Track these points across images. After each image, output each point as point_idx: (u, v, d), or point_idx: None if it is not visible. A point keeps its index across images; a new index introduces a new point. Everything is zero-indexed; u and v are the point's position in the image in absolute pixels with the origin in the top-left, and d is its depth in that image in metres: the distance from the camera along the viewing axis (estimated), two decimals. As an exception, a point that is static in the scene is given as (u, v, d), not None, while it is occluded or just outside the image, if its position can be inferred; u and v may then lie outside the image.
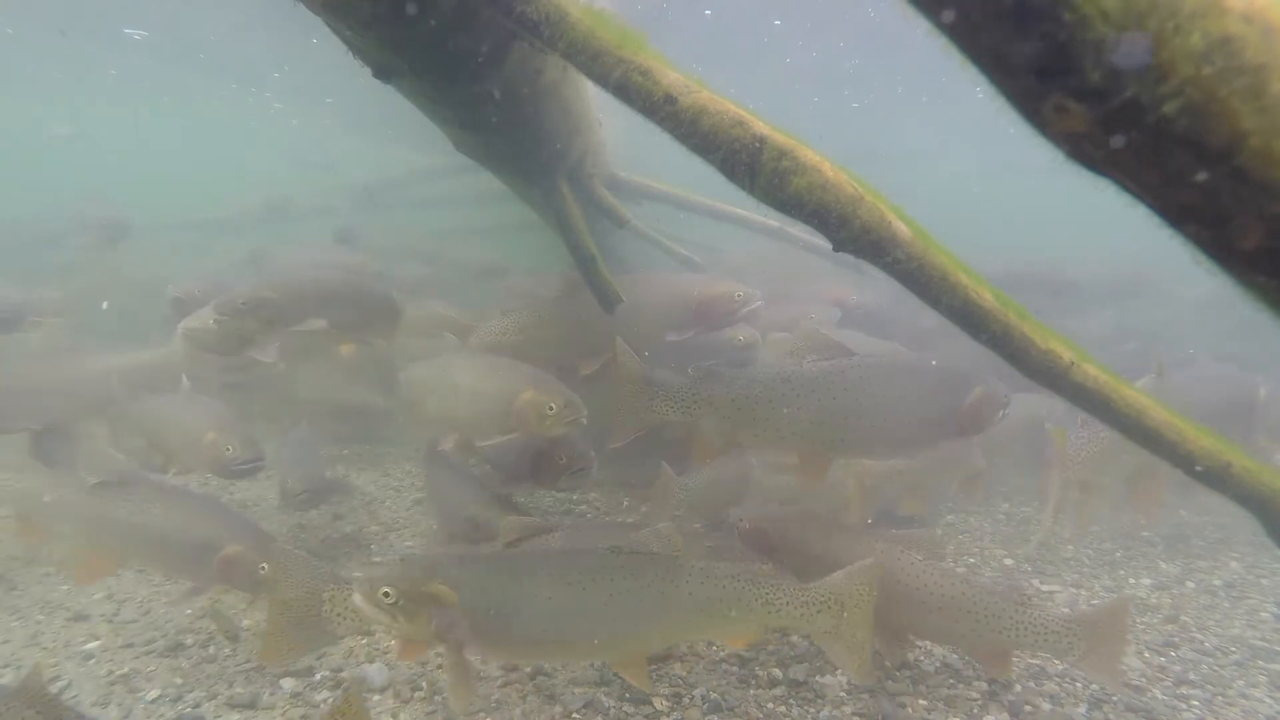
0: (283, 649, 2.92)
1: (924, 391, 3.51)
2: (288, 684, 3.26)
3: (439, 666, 3.36)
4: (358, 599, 2.56)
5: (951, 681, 3.35)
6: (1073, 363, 2.20)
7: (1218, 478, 2.24)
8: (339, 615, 2.91)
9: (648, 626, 2.76)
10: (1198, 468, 2.28)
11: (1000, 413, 3.52)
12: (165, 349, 5.40)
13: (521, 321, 4.55)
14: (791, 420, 3.44)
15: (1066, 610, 4.07)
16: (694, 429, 3.57)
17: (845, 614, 2.83)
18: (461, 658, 2.57)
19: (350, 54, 2.71)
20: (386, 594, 2.52)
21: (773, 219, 6.37)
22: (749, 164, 2.06)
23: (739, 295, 4.47)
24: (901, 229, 2.11)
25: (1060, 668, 3.53)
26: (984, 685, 3.34)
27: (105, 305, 7.17)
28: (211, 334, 4.71)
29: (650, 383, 3.54)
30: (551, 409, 3.78)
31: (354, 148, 16.53)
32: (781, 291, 5.93)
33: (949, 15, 0.97)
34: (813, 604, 2.84)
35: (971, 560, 4.79)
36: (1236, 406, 4.97)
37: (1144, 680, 3.50)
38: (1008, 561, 4.79)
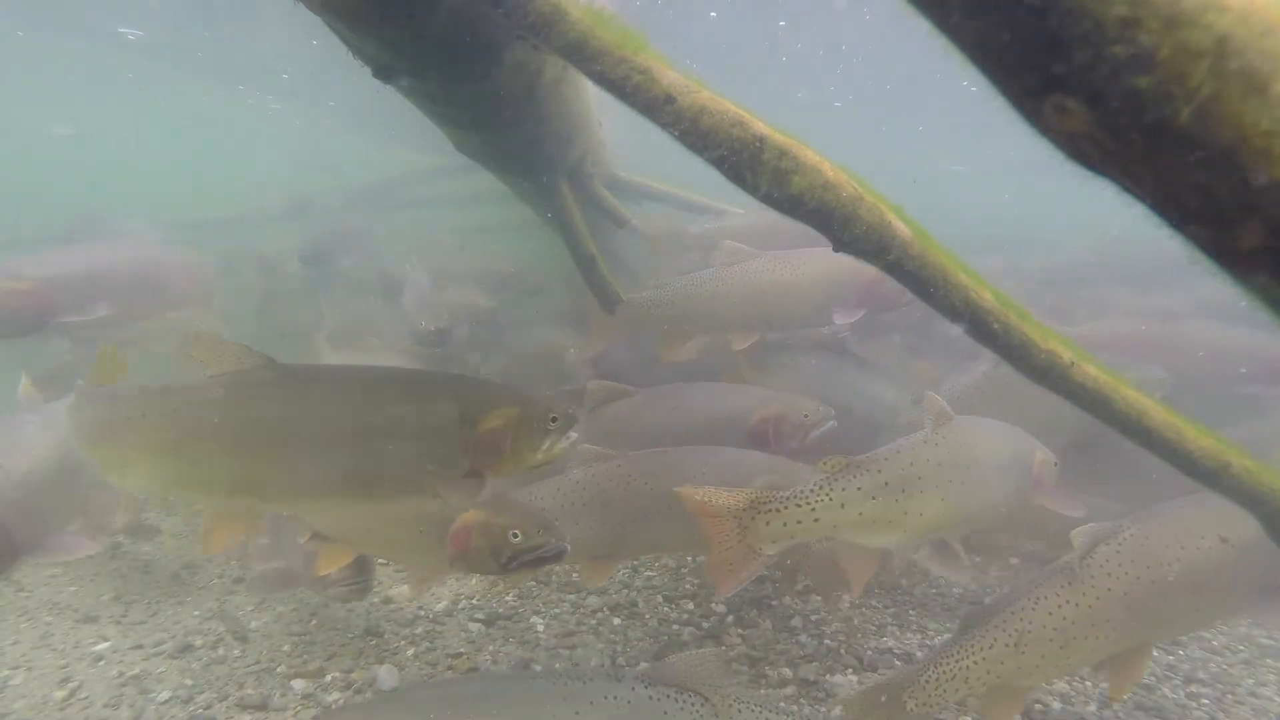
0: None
1: None
2: (298, 685, 3.28)
3: (449, 667, 3.37)
4: None
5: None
6: (1073, 362, 2.19)
7: (1217, 478, 2.23)
8: None
9: None
10: (1198, 468, 2.26)
11: None
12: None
13: (671, 296, 4.34)
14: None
15: None
16: None
17: None
18: None
19: (350, 54, 2.71)
20: None
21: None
22: (749, 164, 2.06)
23: None
24: (901, 229, 2.10)
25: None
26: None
27: None
28: None
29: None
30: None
31: (355, 148, 16.54)
32: None
33: (949, 14, 0.97)
34: None
35: (977, 559, 4.78)
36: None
37: (1153, 678, 3.49)
38: (1014, 560, 4.78)
